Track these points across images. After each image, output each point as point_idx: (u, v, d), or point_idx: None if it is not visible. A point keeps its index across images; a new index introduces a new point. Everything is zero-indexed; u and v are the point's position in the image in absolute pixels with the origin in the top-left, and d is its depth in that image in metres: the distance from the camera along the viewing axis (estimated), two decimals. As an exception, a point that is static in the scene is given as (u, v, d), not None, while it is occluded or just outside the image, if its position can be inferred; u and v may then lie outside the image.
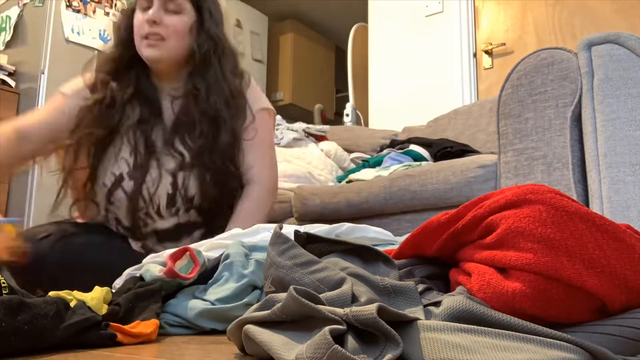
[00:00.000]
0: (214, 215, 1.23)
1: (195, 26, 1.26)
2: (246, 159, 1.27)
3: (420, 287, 0.53)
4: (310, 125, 2.31)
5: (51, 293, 0.60)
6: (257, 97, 1.33)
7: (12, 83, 2.94)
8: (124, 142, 1.23)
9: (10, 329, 0.46)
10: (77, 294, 0.60)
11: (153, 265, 0.77)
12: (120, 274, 0.85)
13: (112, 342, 0.53)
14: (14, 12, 3.08)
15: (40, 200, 2.76)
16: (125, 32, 1.26)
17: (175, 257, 0.79)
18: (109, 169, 1.21)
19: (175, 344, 0.60)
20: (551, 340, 0.38)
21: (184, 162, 1.21)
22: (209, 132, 1.21)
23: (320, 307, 0.41)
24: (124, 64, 1.26)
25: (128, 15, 1.27)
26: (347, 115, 3.20)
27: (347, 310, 0.39)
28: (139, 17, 1.23)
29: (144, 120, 1.23)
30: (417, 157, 1.61)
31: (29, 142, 1.21)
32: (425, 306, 0.48)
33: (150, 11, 1.20)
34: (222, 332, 0.65)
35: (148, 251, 1.21)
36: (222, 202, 1.23)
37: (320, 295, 0.45)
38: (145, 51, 1.22)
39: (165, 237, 1.22)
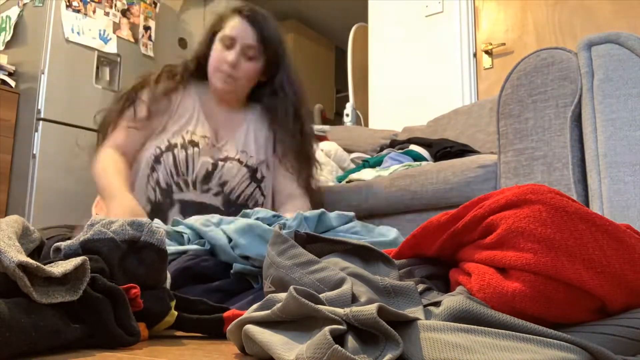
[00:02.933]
0: (236, 210, 1.34)
1: (263, 71, 1.45)
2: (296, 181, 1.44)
3: (420, 287, 0.53)
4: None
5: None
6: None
7: (12, 83, 2.94)
8: (185, 122, 1.40)
9: (29, 324, 0.46)
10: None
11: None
12: None
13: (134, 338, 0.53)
14: (14, 12, 3.08)
15: (40, 200, 2.76)
16: (203, 55, 1.45)
17: None
18: (166, 137, 1.38)
19: (175, 343, 0.60)
20: (551, 340, 0.38)
21: (240, 160, 1.39)
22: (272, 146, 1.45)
23: (320, 307, 0.41)
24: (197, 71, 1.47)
25: (209, 38, 1.45)
26: (347, 115, 3.20)
27: (347, 310, 0.39)
28: (218, 49, 1.41)
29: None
30: (417, 157, 1.61)
31: (130, 159, 1.38)
32: (425, 306, 0.48)
33: (232, 54, 1.38)
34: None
35: None
36: (248, 202, 1.39)
37: (320, 295, 0.45)
38: (218, 83, 1.41)
39: (187, 210, 1.32)
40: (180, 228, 0.99)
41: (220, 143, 1.41)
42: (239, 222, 0.92)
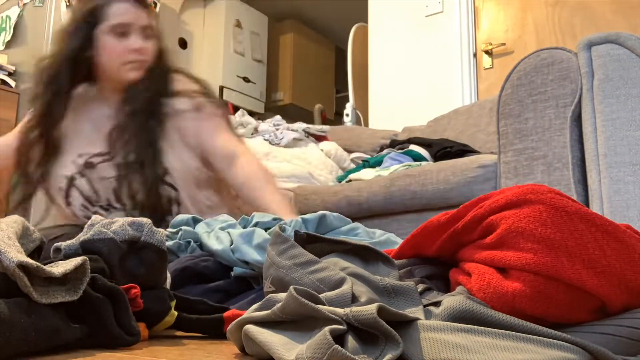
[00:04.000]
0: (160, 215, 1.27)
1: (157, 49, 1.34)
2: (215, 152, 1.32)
3: (420, 287, 0.53)
4: (310, 125, 2.31)
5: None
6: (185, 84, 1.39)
7: (12, 83, 2.94)
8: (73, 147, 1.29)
9: (29, 324, 0.46)
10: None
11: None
12: None
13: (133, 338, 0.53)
14: (14, 12, 3.08)
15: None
16: (78, 50, 1.26)
17: None
18: (62, 171, 1.28)
19: (175, 344, 0.60)
20: (551, 340, 0.38)
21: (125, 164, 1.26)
22: (145, 141, 1.26)
23: (320, 307, 0.41)
24: (69, 77, 1.28)
25: (81, 31, 1.27)
26: (347, 115, 3.20)
27: (347, 310, 0.39)
28: (113, 43, 1.26)
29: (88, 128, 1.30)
30: (417, 157, 1.61)
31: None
32: (425, 306, 0.48)
33: (132, 40, 1.26)
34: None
35: None
36: (165, 203, 1.28)
37: (320, 295, 0.45)
38: (130, 74, 1.28)
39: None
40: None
41: (113, 151, 1.28)
42: (245, 229, 0.92)
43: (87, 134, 1.30)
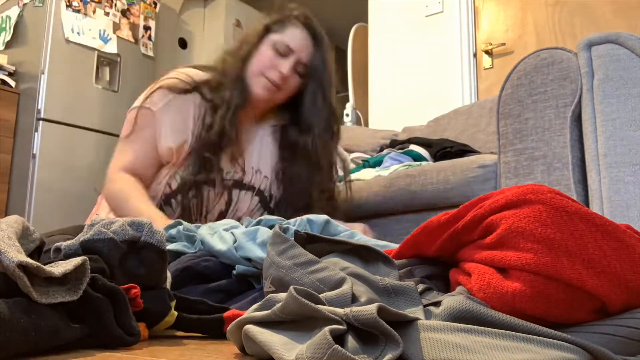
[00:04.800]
0: None
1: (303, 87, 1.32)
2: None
3: (420, 287, 0.53)
4: (310, 125, 2.30)
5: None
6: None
7: (12, 83, 2.94)
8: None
9: (29, 324, 0.46)
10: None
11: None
12: None
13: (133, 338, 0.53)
14: (14, 12, 3.09)
15: (40, 200, 2.76)
16: (246, 59, 1.29)
17: None
18: (177, 170, 1.25)
19: (175, 343, 0.60)
20: (551, 340, 0.38)
21: (254, 186, 1.30)
22: (294, 168, 1.31)
23: (321, 307, 0.41)
24: (232, 80, 1.28)
25: (256, 41, 1.30)
26: (347, 115, 3.20)
27: (347, 310, 0.39)
28: (269, 55, 1.27)
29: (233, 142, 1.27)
30: (417, 157, 1.61)
31: (146, 181, 1.26)
32: (425, 306, 0.48)
33: (285, 65, 1.26)
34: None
35: None
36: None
37: (320, 295, 0.45)
38: (258, 89, 1.27)
39: None
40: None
41: (232, 166, 1.28)
42: (249, 228, 0.92)
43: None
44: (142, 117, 1.24)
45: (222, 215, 1.26)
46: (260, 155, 1.33)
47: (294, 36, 1.28)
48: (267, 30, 1.31)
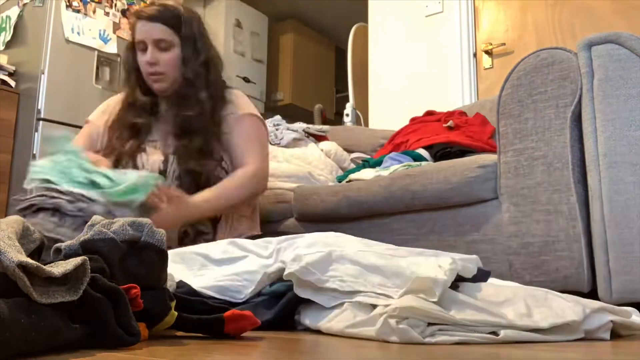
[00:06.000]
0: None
1: (185, 54, 1.48)
2: (235, 154, 1.47)
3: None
4: (310, 125, 2.30)
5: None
6: (242, 103, 1.55)
7: (12, 83, 2.94)
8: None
9: (29, 324, 0.46)
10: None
11: None
12: None
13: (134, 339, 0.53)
14: (14, 12, 3.08)
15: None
16: (132, 72, 1.52)
17: None
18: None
19: (175, 343, 0.60)
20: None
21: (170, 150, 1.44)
22: (185, 125, 1.43)
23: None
24: (136, 94, 1.51)
25: (130, 54, 1.51)
26: (347, 115, 3.20)
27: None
28: (140, 58, 1.46)
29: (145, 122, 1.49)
30: (417, 157, 1.61)
31: None
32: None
33: (147, 54, 1.44)
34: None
35: None
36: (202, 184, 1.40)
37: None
38: (154, 86, 1.48)
39: None
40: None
41: (169, 140, 1.45)
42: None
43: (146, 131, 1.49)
44: (84, 127, 1.61)
45: (162, 173, 1.38)
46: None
47: (138, 31, 1.45)
48: (132, 45, 1.50)
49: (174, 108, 1.46)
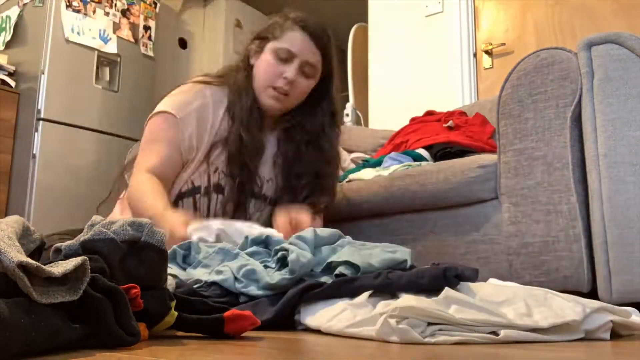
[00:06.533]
0: None
1: (315, 87, 1.32)
2: None
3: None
4: (310, 125, 2.30)
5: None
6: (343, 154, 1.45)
7: (12, 83, 2.94)
8: (216, 158, 1.28)
9: (29, 324, 0.46)
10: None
11: None
12: None
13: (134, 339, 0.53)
14: (14, 12, 3.09)
15: (40, 200, 2.76)
16: (250, 72, 1.30)
17: None
18: (189, 174, 1.27)
19: (175, 343, 0.60)
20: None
21: (265, 195, 1.31)
22: (304, 168, 1.31)
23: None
24: (242, 87, 1.30)
25: (256, 52, 1.31)
26: (347, 115, 3.20)
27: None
28: (272, 63, 1.26)
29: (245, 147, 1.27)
30: (417, 157, 1.61)
31: (166, 184, 1.25)
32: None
33: (290, 70, 1.25)
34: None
35: None
36: None
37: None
38: (267, 101, 1.28)
39: None
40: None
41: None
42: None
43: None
44: (166, 122, 1.26)
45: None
46: (275, 162, 1.34)
47: (293, 39, 1.26)
48: (265, 39, 1.30)
49: (291, 145, 1.31)
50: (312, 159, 1.31)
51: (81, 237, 0.61)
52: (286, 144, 1.33)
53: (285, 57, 1.26)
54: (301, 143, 1.32)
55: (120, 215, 1.34)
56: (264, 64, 1.27)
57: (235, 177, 1.25)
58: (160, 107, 1.28)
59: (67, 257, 0.57)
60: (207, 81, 1.32)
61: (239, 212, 1.27)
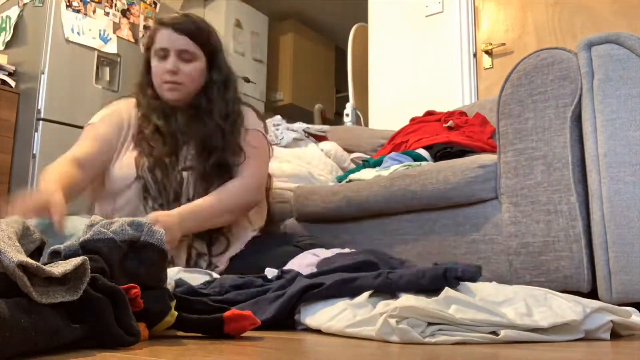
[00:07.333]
0: None
1: (206, 67, 1.48)
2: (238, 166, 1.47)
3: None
4: (310, 125, 2.31)
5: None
6: (249, 118, 1.55)
7: (12, 83, 2.94)
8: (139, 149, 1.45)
9: (29, 324, 0.46)
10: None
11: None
12: None
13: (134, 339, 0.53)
14: (14, 12, 3.08)
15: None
16: (145, 78, 1.51)
17: None
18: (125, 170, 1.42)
19: (175, 343, 0.60)
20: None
21: (187, 166, 1.43)
22: (207, 142, 1.43)
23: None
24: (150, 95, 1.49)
25: (146, 58, 1.50)
26: (347, 115, 3.20)
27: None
28: (156, 64, 1.45)
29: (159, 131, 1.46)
30: (417, 157, 1.61)
31: (85, 172, 1.38)
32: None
33: (169, 62, 1.43)
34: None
35: None
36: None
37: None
38: (166, 94, 1.45)
39: None
40: None
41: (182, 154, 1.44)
42: None
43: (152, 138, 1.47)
44: (86, 129, 1.53)
45: (177, 195, 1.39)
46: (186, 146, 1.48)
47: (161, 37, 1.44)
48: (148, 49, 1.49)
49: (194, 120, 1.45)
50: (208, 125, 1.44)
51: (81, 237, 0.61)
52: (191, 123, 1.46)
53: (163, 55, 1.44)
54: (199, 117, 1.46)
55: (98, 209, 1.48)
56: (153, 68, 1.46)
57: (158, 161, 1.41)
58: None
59: (67, 257, 0.57)
60: (120, 96, 1.58)
61: (181, 186, 1.41)
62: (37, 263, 0.48)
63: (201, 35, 1.46)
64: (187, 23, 1.46)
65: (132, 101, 1.52)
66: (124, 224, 0.61)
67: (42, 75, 2.85)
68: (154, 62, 1.46)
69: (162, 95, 1.46)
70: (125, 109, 1.51)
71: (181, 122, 1.46)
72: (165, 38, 1.44)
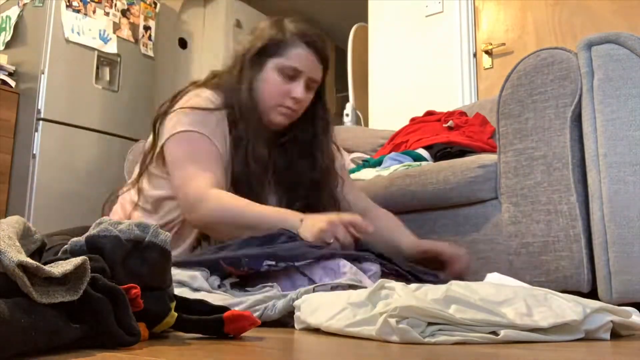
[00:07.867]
0: None
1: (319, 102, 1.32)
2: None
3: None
4: (310, 125, 2.30)
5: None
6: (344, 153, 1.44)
7: (12, 83, 2.94)
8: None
9: (29, 324, 0.46)
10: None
11: None
12: None
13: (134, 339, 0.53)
14: (14, 12, 3.09)
15: (40, 200, 2.76)
16: (253, 88, 1.24)
17: None
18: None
19: (175, 343, 0.60)
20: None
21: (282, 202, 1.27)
22: (308, 178, 1.28)
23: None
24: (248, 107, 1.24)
25: (259, 64, 1.25)
26: (347, 115, 3.20)
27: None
28: (279, 81, 1.23)
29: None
30: (417, 157, 1.61)
31: None
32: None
33: (298, 90, 1.22)
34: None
35: None
36: None
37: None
38: (277, 118, 1.25)
39: None
40: None
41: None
42: None
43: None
44: (197, 140, 1.19)
45: None
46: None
47: (299, 57, 1.23)
48: (265, 54, 1.25)
49: (301, 157, 1.29)
50: (305, 169, 1.29)
51: (88, 233, 0.61)
52: (279, 158, 1.30)
53: (293, 75, 1.23)
54: (294, 155, 1.30)
55: (121, 211, 1.31)
56: (270, 83, 1.24)
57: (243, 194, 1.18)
58: (185, 125, 1.21)
59: (72, 252, 0.58)
60: (213, 108, 1.24)
61: None
62: (37, 263, 0.48)
63: (329, 65, 1.30)
64: (327, 49, 1.29)
65: (224, 117, 1.24)
66: (131, 224, 0.62)
67: (42, 75, 2.85)
68: (275, 76, 1.23)
69: (268, 115, 1.25)
70: (221, 123, 1.23)
71: (290, 159, 1.29)
72: (304, 60, 1.23)
